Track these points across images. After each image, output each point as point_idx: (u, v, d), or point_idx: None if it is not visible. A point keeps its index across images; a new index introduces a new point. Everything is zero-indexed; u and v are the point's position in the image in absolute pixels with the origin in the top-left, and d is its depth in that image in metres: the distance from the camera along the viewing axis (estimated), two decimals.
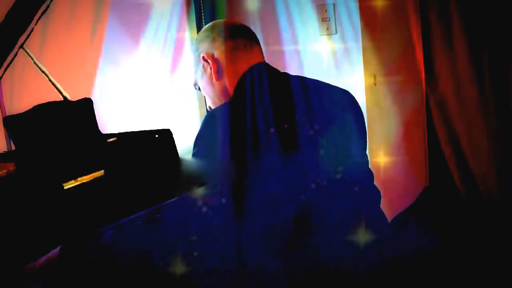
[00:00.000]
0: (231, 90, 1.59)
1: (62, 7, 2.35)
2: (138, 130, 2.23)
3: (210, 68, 1.63)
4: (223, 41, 1.62)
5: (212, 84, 1.64)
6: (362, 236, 1.47)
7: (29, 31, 2.00)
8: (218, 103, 1.66)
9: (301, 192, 1.47)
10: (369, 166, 1.65)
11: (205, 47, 1.65)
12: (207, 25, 1.71)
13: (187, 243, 1.56)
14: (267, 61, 1.67)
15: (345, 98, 1.62)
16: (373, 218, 1.53)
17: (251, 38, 1.66)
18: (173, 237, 1.67)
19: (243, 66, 1.59)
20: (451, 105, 3.41)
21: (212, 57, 1.62)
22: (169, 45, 2.94)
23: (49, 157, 1.84)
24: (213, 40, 1.64)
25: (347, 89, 1.66)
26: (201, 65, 1.66)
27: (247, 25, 1.71)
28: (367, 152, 1.65)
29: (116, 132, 2.21)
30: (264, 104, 1.50)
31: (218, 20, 1.74)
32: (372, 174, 1.61)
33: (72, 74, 2.43)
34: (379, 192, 1.61)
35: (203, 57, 1.64)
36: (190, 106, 3.08)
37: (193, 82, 1.73)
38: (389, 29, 3.16)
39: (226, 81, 1.61)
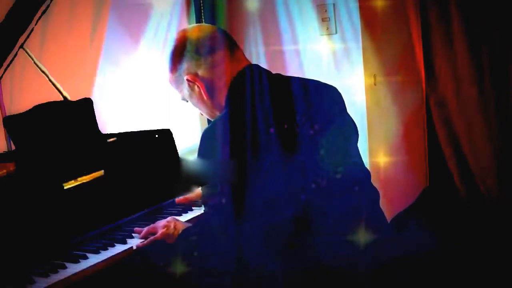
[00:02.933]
0: (223, 103, 1.57)
1: (62, 7, 2.35)
2: (138, 130, 2.23)
3: (198, 87, 1.58)
4: (205, 59, 1.57)
5: (203, 101, 1.61)
6: (362, 236, 1.47)
7: (29, 31, 2.00)
8: (214, 115, 1.64)
9: (301, 192, 1.47)
10: (366, 166, 1.64)
11: (185, 68, 1.59)
12: (177, 42, 1.62)
13: (187, 243, 1.56)
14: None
15: (341, 97, 1.61)
16: (373, 218, 1.53)
17: (229, 44, 1.61)
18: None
19: (232, 77, 1.56)
20: (451, 105, 3.41)
21: (197, 76, 1.57)
22: (169, 45, 2.94)
23: (49, 157, 1.84)
24: (193, 58, 1.57)
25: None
26: (185, 84, 1.60)
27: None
28: (363, 151, 1.65)
29: (116, 132, 2.21)
30: (264, 104, 1.50)
31: (187, 33, 1.62)
32: (369, 173, 1.61)
33: (72, 74, 2.43)
34: (377, 192, 1.61)
35: (187, 79, 1.58)
36: (190, 106, 3.08)
37: (180, 98, 1.68)
38: (389, 29, 3.16)
39: (218, 96, 1.58)
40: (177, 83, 1.63)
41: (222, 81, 1.57)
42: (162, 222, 1.71)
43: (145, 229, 1.71)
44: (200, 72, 1.57)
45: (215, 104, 1.59)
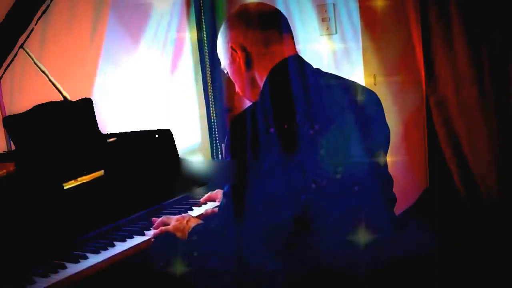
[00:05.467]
0: (260, 82, 1.58)
1: (62, 7, 2.35)
2: (138, 130, 2.23)
3: (239, 58, 1.59)
4: (253, 32, 1.57)
5: (240, 74, 1.61)
6: (362, 236, 1.47)
7: (29, 31, 2.00)
8: (245, 92, 1.64)
9: (301, 192, 1.46)
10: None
11: (234, 36, 1.59)
12: (237, 9, 1.63)
13: (187, 243, 1.56)
14: None
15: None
16: (373, 218, 1.53)
17: (282, 28, 1.62)
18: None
19: (274, 59, 1.57)
20: (451, 105, 3.41)
21: (242, 47, 1.58)
22: (169, 45, 2.95)
23: (49, 157, 1.84)
24: (243, 30, 1.58)
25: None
26: (228, 52, 1.61)
27: None
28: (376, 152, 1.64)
29: (116, 132, 2.21)
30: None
31: (249, 4, 1.64)
32: (391, 179, 1.62)
33: (72, 74, 2.43)
34: (394, 196, 1.61)
35: (231, 46, 1.59)
36: (190, 106, 3.08)
37: (222, 66, 1.69)
38: (389, 29, 3.16)
39: (255, 73, 1.59)
40: (222, 49, 1.64)
41: (263, 60, 1.58)
42: (176, 216, 1.71)
43: (159, 219, 1.72)
44: (245, 44, 1.58)
45: (250, 79, 1.60)
